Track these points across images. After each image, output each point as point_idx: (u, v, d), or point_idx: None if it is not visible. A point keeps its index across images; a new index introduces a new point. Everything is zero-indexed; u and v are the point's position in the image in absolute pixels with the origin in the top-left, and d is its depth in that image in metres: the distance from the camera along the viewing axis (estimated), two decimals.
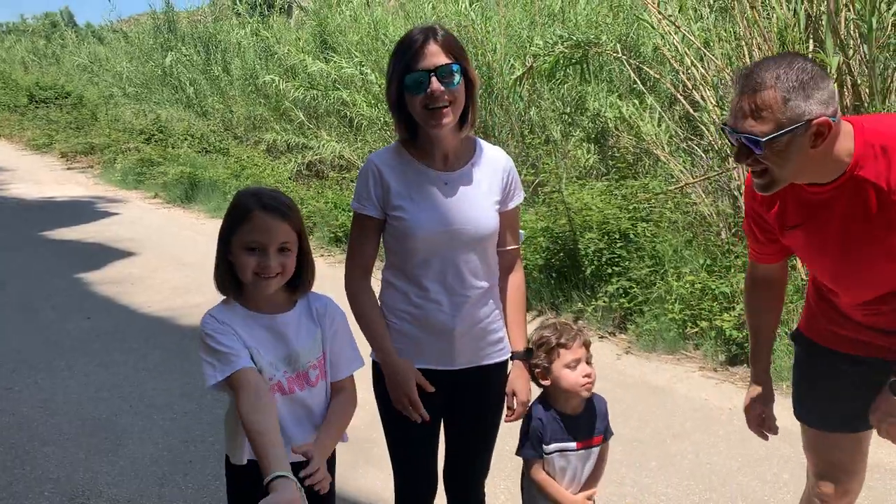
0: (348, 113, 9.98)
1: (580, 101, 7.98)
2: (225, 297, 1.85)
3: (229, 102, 13.25)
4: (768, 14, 5.11)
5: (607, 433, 2.24)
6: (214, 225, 8.97)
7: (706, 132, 5.65)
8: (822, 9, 4.55)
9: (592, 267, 5.39)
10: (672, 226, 5.54)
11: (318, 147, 9.69)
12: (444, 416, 2.17)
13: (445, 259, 1.99)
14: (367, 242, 2.03)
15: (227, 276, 1.80)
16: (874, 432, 1.92)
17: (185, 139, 12.68)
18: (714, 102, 5.47)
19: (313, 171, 10.41)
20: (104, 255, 7.79)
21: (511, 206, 2.11)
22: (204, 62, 14.78)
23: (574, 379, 2.10)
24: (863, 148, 1.67)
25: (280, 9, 16.67)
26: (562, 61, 6.72)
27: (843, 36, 4.48)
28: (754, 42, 5.12)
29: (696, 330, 4.65)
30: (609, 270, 5.27)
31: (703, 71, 5.58)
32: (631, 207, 5.71)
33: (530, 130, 8.20)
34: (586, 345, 2.14)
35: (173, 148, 12.34)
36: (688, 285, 4.76)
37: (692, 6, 5.93)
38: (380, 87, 9.61)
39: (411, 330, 2.04)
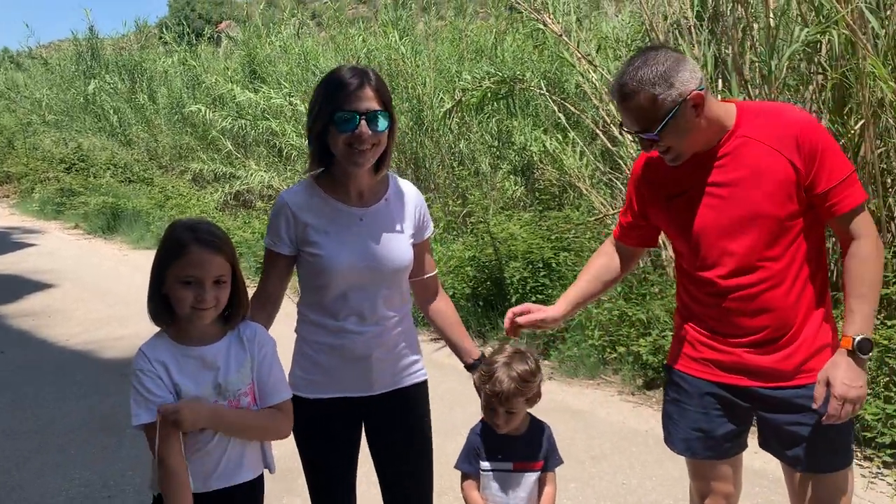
0: (277, 143, 9.97)
1: (507, 135, 8.20)
2: (158, 330, 1.87)
3: (154, 131, 13.05)
4: None
5: (551, 461, 2.14)
6: (138, 256, 8.86)
7: (624, 166, 5.89)
8: (728, 52, 4.85)
9: (518, 295, 5.52)
10: (589, 254, 5.72)
11: (246, 177, 9.64)
12: (371, 448, 2.20)
13: (362, 292, 2.03)
14: (276, 276, 2.07)
15: (161, 308, 1.82)
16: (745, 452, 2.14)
17: (108, 168, 12.42)
18: (631, 138, 5.72)
19: (240, 200, 10.33)
20: (20, 286, 7.53)
21: (425, 236, 2.19)
22: (129, 90, 14.55)
23: (494, 418, 2.09)
24: (742, 113, 1.96)
25: (209, 38, 16.56)
26: (489, 96, 6.92)
27: (747, 77, 4.78)
28: None
29: (614, 355, 4.81)
30: (533, 298, 5.40)
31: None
32: (554, 237, 5.89)
33: (460, 162, 8.36)
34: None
35: (95, 177, 12.07)
36: (606, 312, 4.93)
37: (610, 46, 6.22)
38: None
39: (328, 360, 2.07)
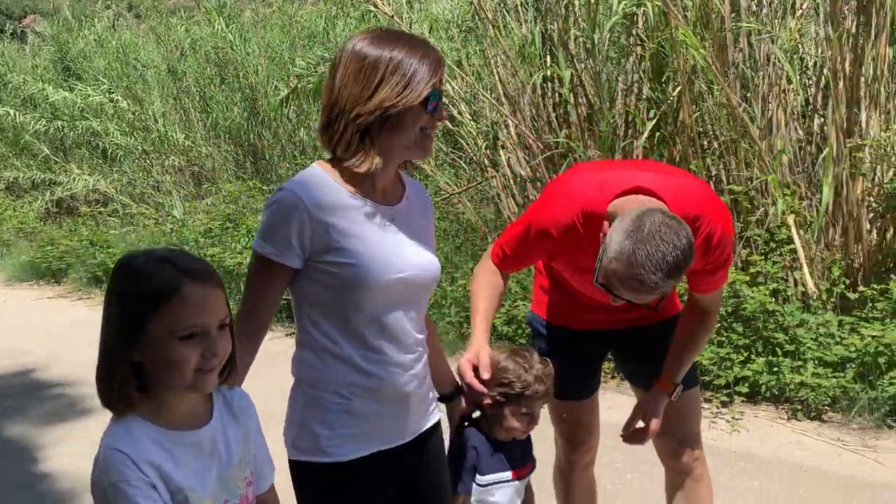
0: (100, 143, 9.30)
1: None
2: (118, 416, 1.28)
3: None
4: (509, 33, 5.54)
5: (534, 460, 2.04)
6: None
7: (465, 145, 5.98)
8: (554, 28, 5.02)
9: None
10: (442, 234, 5.79)
11: (69, 182, 8.91)
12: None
13: (397, 311, 1.61)
14: (275, 296, 1.58)
15: (126, 385, 1.25)
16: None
17: None
18: (469, 116, 5.81)
19: (64, 208, 9.56)
20: None
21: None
22: None
23: (517, 426, 1.90)
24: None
25: (12, 34, 15.14)
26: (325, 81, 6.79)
27: (573, 51, 4.98)
28: (499, 59, 5.53)
29: (470, 330, 4.88)
30: None
31: (457, 87, 5.91)
32: None
33: (301, 152, 8.17)
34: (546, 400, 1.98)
35: None
36: (460, 289, 5.01)
37: (441, 27, 6.27)
38: (133, 114, 9.09)
39: (365, 406, 1.59)
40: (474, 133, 5.74)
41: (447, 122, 6.09)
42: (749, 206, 4.38)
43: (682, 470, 2.21)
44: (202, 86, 9.08)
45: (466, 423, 1.95)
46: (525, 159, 5.43)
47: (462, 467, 1.88)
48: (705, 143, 4.66)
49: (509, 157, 5.50)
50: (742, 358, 3.94)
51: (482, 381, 1.83)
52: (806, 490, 3.16)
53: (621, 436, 2.11)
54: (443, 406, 1.87)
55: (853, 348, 3.75)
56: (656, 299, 1.78)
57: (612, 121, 4.85)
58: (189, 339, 1.24)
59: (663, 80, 4.69)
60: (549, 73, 5.03)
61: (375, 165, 1.51)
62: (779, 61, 4.33)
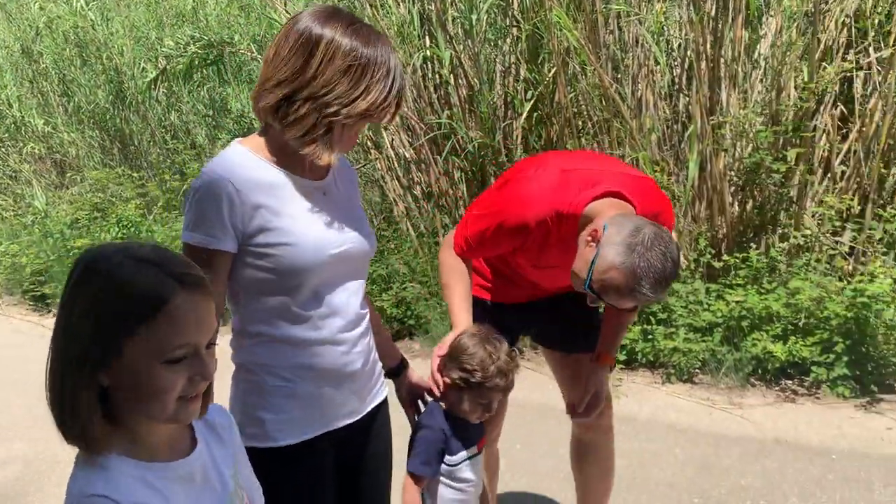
0: None
1: (223, 103, 7.80)
2: (88, 454, 1.04)
3: None
4: (387, 13, 5.49)
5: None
6: None
7: None
8: (432, 8, 5.02)
9: None
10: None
11: None
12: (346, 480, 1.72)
13: (339, 287, 1.57)
14: (219, 287, 1.47)
15: (95, 415, 1.01)
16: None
17: None
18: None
19: None
20: None
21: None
22: None
23: (472, 412, 1.86)
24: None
25: None
26: (197, 62, 6.51)
27: (451, 33, 5.01)
28: None
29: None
30: None
31: None
32: None
33: (173, 136, 7.81)
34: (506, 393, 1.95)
35: None
36: None
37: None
38: None
39: (311, 388, 1.55)
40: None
41: None
42: None
43: (597, 425, 2.35)
44: (62, 68, 8.49)
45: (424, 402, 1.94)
46: (408, 141, 5.43)
47: (427, 450, 1.83)
48: (580, 123, 4.82)
49: (392, 139, 5.48)
50: None
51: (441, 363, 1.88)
52: (681, 448, 3.37)
53: (571, 413, 2.22)
54: (390, 381, 1.86)
55: (719, 314, 4.00)
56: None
57: (492, 102, 4.93)
58: (176, 363, 1.01)
59: (539, 61, 4.80)
60: (428, 54, 5.03)
61: (333, 160, 1.48)
62: (647, 43, 4.53)
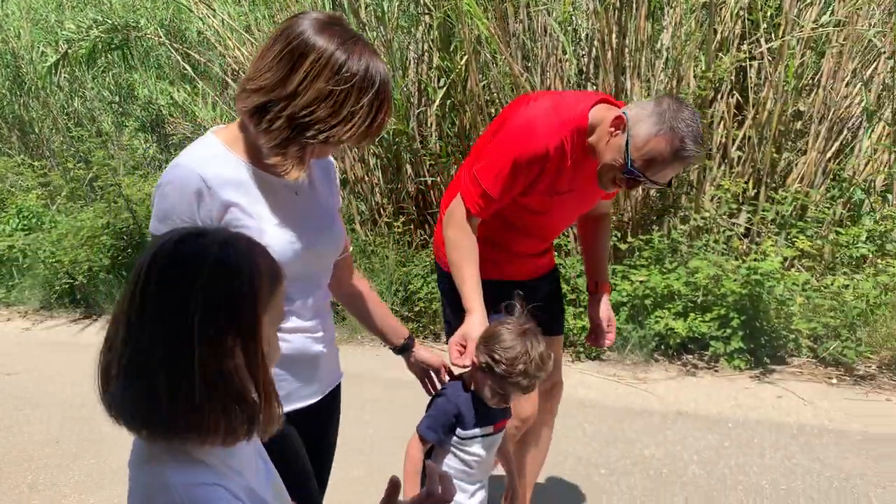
0: None
1: (129, 89, 7.55)
2: (187, 450, 0.97)
3: None
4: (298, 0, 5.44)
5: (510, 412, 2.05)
6: None
7: None
8: None
9: None
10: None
11: None
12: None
13: (307, 282, 1.59)
14: None
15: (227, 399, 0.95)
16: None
17: None
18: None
19: None
20: None
21: (340, 203, 1.80)
22: None
23: (490, 397, 1.86)
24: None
25: None
26: (101, 46, 6.28)
27: (364, 20, 5.00)
28: None
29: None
30: None
31: (247, 54, 5.72)
32: None
33: (77, 123, 7.52)
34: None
35: None
36: None
37: None
38: None
39: (276, 371, 1.58)
40: None
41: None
42: None
43: (550, 408, 2.47)
44: None
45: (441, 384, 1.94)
46: None
47: (436, 417, 1.85)
48: (493, 110, 4.91)
49: None
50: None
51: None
52: (589, 423, 3.51)
53: (591, 343, 2.36)
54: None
55: (625, 293, 4.17)
56: (615, 192, 2.11)
57: (405, 89, 4.96)
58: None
59: (451, 49, 4.85)
60: None
61: (298, 176, 1.43)
62: (555, 33, 4.65)
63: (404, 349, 1.89)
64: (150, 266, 0.94)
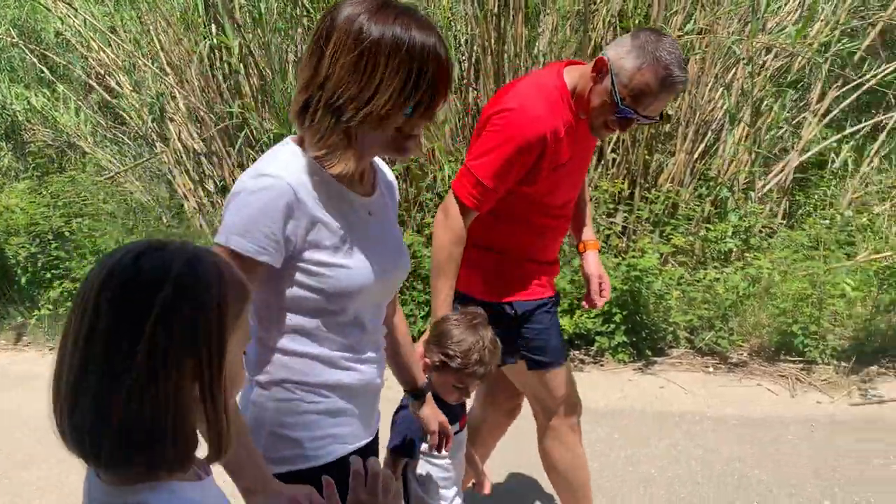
0: None
1: None
2: (153, 477, 0.89)
3: None
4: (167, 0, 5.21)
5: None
6: None
7: (129, 119, 5.52)
8: None
9: (28, 275, 4.85)
10: (111, 217, 5.31)
11: None
12: None
13: (377, 310, 1.50)
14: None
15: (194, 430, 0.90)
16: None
17: None
18: (130, 87, 5.36)
19: None
20: None
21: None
22: None
23: (449, 394, 1.87)
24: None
25: None
26: None
27: (239, 21, 4.84)
28: (159, 25, 5.17)
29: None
30: (48, 275, 4.81)
31: (113, 56, 5.41)
32: (62, 204, 5.28)
33: None
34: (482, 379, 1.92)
35: None
36: None
37: None
38: None
39: (344, 404, 1.47)
40: (137, 106, 5.32)
41: (105, 95, 5.56)
42: (420, 172, 4.69)
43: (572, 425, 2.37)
44: None
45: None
46: (197, 132, 5.18)
47: (405, 428, 1.82)
48: None
49: (180, 131, 5.20)
50: (423, 314, 4.24)
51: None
52: None
53: (588, 304, 2.40)
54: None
55: None
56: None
57: (286, 92, 4.83)
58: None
59: None
60: (216, 42, 4.83)
61: (348, 169, 1.31)
62: None
63: (420, 394, 1.80)
64: (104, 282, 0.84)
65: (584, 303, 2.43)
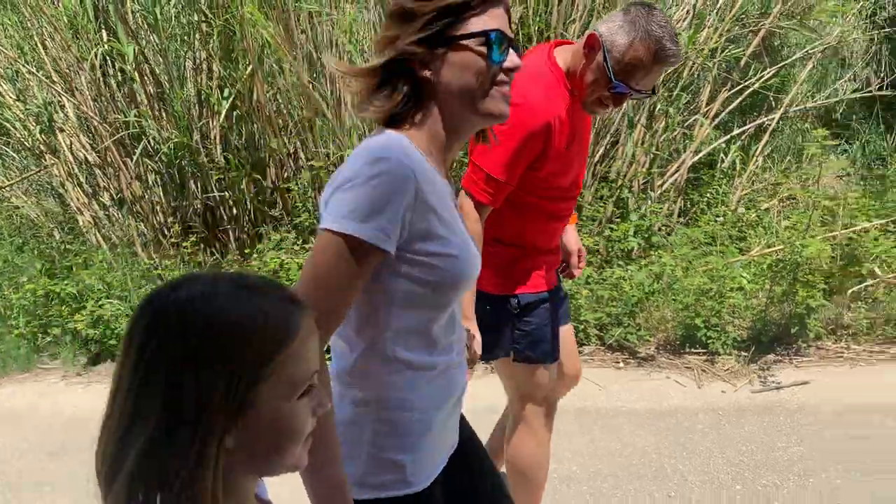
0: None
1: None
2: None
3: None
4: (55, 2, 4.93)
5: None
6: None
7: (13, 129, 5.19)
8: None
9: None
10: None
11: None
12: None
13: (457, 307, 1.40)
14: (357, 294, 1.20)
15: (219, 492, 0.79)
16: None
17: None
18: (14, 97, 5.04)
19: None
20: None
21: None
22: None
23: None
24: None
25: None
26: None
27: (132, 26, 4.63)
28: (45, 31, 4.89)
29: (49, 340, 4.32)
30: None
31: None
32: None
33: None
34: None
35: None
36: (29, 295, 4.37)
37: None
38: None
39: (439, 419, 1.36)
40: (23, 116, 5.01)
41: None
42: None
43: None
44: None
45: None
46: (90, 143, 4.93)
47: None
48: (280, 121, 4.78)
49: (71, 142, 4.93)
50: None
51: None
52: None
53: (565, 275, 2.43)
54: None
55: None
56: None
57: (185, 100, 4.67)
58: (304, 397, 0.85)
59: (234, 58, 4.65)
60: (108, 49, 4.61)
61: (453, 156, 1.32)
62: (342, 43, 4.62)
63: None
64: (138, 316, 0.82)
65: (563, 274, 2.48)
